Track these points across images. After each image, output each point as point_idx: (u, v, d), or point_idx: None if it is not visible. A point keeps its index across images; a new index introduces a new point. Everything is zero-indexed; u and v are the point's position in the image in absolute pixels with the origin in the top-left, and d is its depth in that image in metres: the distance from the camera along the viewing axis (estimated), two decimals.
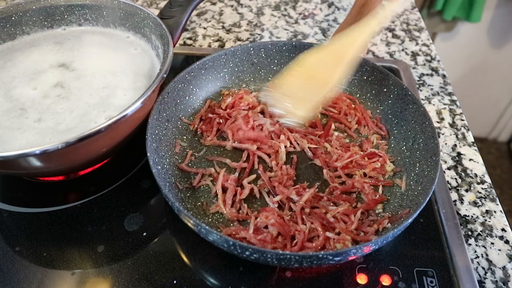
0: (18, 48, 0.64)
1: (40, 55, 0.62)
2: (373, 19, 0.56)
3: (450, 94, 0.76)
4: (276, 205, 0.53)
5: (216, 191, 0.55)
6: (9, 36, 0.64)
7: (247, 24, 0.92)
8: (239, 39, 0.87)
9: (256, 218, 0.51)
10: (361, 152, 0.60)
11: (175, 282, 0.48)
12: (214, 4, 0.98)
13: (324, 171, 0.58)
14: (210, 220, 0.53)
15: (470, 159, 0.64)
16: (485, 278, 0.50)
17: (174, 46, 0.58)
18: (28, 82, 0.57)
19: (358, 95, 0.68)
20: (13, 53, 0.63)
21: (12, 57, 0.62)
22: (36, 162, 0.47)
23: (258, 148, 0.59)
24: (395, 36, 0.89)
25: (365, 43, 0.56)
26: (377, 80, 0.64)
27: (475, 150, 0.65)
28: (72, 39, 0.65)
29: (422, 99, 0.74)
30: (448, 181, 0.61)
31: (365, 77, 0.61)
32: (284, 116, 0.56)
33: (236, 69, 0.68)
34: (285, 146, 0.61)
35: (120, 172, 0.59)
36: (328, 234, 0.49)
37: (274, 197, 0.54)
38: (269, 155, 0.59)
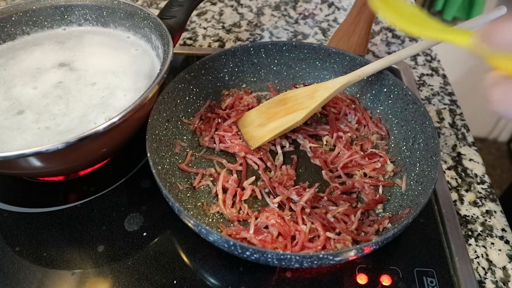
0: (21, 47, 0.64)
1: (42, 54, 0.62)
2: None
3: (450, 94, 0.76)
4: (276, 205, 0.53)
5: (216, 191, 0.55)
6: (9, 36, 0.64)
7: (247, 24, 0.92)
8: (239, 39, 0.87)
9: (256, 218, 0.51)
10: (361, 152, 0.60)
11: (175, 282, 0.48)
12: (214, 4, 0.98)
13: (323, 172, 0.58)
14: (210, 220, 0.52)
15: (470, 159, 0.64)
16: (485, 278, 0.50)
17: (174, 46, 0.58)
18: (29, 82, 0.57)
19: (358, 95, 0.68)
20: (16, 52, 0.63)
21: (14, 56, 0.62)
22: (36, 162, 0.47)
23: (247, 152, 0.59)
24: (395, 36, 0.89)
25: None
26: (377, 80, 0.64)
27: (475, 150, 0.65)
28: (74, 38, 0.65)
29: (422, 99, 0.74)
30: (448, 181, 0.61)
31: (365, 77, 0.61)
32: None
33: (236, 69, 0.68)
34: (283, 147, 0.61)
35: (120, 172, 0.59)
36: (329, 234, 0.49)
37: (274, 197, 0.54)
38: (261, 159, 0.59)
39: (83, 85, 0.57)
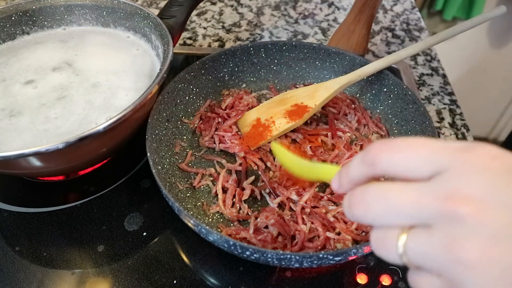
0: (22, 46, 0.63)
1: (45, 52, 0.62)
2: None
3: (450, 94, 0.76)
4: (276, 205, 0.53)
5: (216, 191, 0.55)
6: (9, 36, 0.64)
7: (247, 24, 0.92)
8: (239, 39, 0.87)
9: (256, 218, 0.51)
10: None
11: (175, 282, 0.48)
12: (214, 4, 0.98)
13: None
14: (210, 220, 0.52)
15: None
16: None
17: (174, 46, 0.58)
18: (29, 81, 0.57)
19: (358, 95, 0.68)
20: (18, 50, 0.63)
21: (17, 53, 0.62)
22: (36, 162, 0.47)
23: (247, 152, 0.59)
24: (395, 36, 0.89)
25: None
26: (377, 80, 0.64)
27: None
28: (76, 37, 0.65)
29: (422, 99, 0.74)
30: None
31: (365, 77, 0.61)
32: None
33: (236, 69, 0.68)
34: None
35: (120, 172, 0.59)
36: (329, 234, 0.49)
37: (275, 198, 0.54)
38: (261, 159, 0.59)
39: (85, 86, 0.57)
